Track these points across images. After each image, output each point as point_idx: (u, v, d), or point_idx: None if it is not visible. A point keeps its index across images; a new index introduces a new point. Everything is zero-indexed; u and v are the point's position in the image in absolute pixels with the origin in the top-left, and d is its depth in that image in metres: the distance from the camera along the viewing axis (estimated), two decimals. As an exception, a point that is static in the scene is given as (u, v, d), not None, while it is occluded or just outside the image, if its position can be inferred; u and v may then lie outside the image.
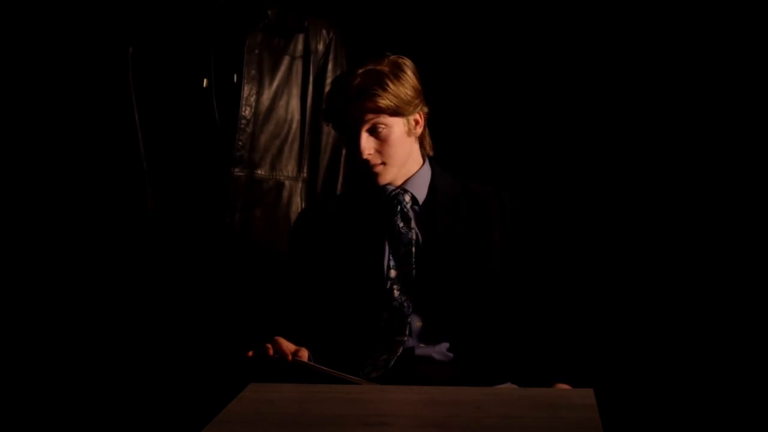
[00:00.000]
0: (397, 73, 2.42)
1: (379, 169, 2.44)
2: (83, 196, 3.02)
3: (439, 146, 2.56)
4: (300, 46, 2.87)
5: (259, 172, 2.81)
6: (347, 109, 2.41)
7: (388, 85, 2.40)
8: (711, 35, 3.03)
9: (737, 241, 3.04)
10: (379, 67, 2.42)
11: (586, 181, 3.11)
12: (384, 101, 2.40)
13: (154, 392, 2.81)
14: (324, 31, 2.89)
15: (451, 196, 2.50)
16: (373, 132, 2.42)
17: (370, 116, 2.41)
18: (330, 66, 2.89)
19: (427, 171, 2.52)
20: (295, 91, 2.86)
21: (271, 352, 2.25)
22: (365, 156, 2.42)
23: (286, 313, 2.48)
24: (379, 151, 2.43)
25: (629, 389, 3.00)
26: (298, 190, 2.87)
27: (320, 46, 2.88)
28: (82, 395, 3.06)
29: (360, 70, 2.42)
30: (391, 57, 2.46)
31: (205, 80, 2.78)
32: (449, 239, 2.45)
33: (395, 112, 2.42)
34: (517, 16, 3.11)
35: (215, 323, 2.77)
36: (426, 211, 2.49)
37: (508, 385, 2.34)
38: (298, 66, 2.87)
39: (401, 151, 2.45)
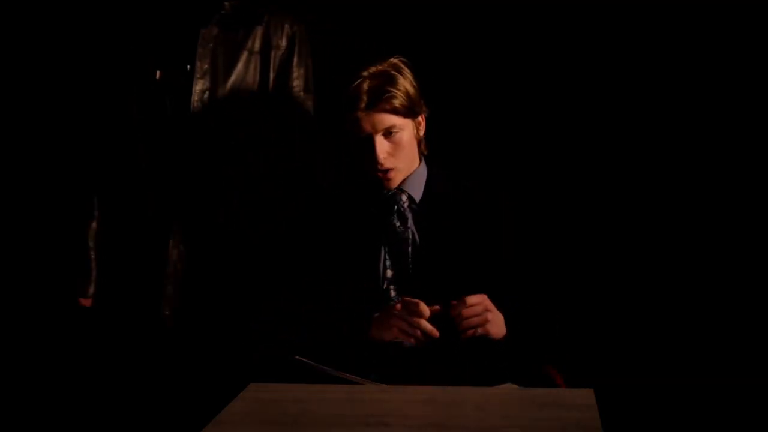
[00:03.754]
0: (403, 73, 2.41)
1: (391, 174, 2.42)
2: (83, 195, 3.00)
3: (438, 145, 2.56)
4: (259, 41, 2.77)
5: (230, 172, 2.75)
6: (359, 115, 2.37)
7: (399, 86, 2.38)
8: (711, 35, 3.03)
9: (737, 240, 3.04)
10: (385, 69, 2.40)
11: (586, 179, 3.11)
12: (398, 102, 2.37)
13: (154, 392, 2.81)
14: (287, 26, 2.78)
15: (447, 195, 2.50)
16: (387, 136, 2.40)
17: (385, 120, 2.38)
18: (294, 62, 2.78)
19: (423, 170, 2.51)
20: (254, 88, 2.77)
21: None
22: (382, 161, 2.40)
23: (284, 313, 2.48)
24: (392, 155, 2.41)
25: (629, 389, 3.00)
26: (264, 190, 2.80)
27: (282, 41, 2.78)
28: (83, 395, 3.06)
29: (366, 73, 2.38)
30: (391, 59, 2.44)
31: (157, 72, 2.71)
32: (446, 238, 2.45)
33: (407, 114, 2.40)
34: (518, 13, 3.11)
35: (215, 323, 2.77)
36: (423, 210, 2.48)
37: (508, 385, 2.34)
38: (257, 61, 2.78)
39: (411, 155, 2.44)
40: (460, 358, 2.38)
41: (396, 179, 2.44)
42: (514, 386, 2.33)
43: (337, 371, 2.23)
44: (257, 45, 2.77)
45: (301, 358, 2.24)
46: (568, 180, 3.12)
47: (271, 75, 2.78)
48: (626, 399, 2.97)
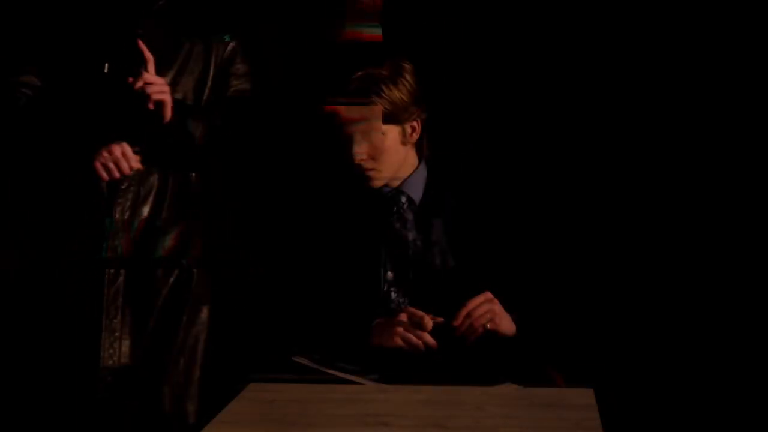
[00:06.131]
0: (395, 78, 2.39)
1: (371, 174, 2.43)
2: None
3: (438, 146, 2.56)
4: (203, 32, 2.67)
5: (148, 166, 2.67)
6: (340, 111, 2.39)
7: (384, 91, 2.37)
8: (711, 35, 3.04)
9: (737, 240, 3.04)
10: (377, 72, 2.39)
11: (587, 180, 3.11)
12: (379, 108, 2.37)
13: (154, 392, 2.81)
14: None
15: (447, 197, 2.50)
16: (367, 137, 2.40)
17: (363, 121, 2.38)
18: (238, 53, 2.69)
19: (422, 172, 2.51)
20: (193, 82, 2.68)
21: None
22: (357, 161, 2.40)
23: (285, 313, 2.48)
24: (372, 157, 2.41)
25: (629, 389, 3.00)
26: (187, 187, 2.74)
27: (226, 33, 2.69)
28: (82, 395, 3.06)
29: (358, 74, 2.39)
30: (392, 60, 2.43)
31: (106, 65, 2.63)
32: (446, 240, 2.45)
33: (390, 119, 2.40)
34: (519, 13, 3.11)
35: (216, 323, 2.77)
36: (422, 212, 2.48)
37: (508, 385, 2.34)
38: (199, 53, 2.69)
39: (394, 159, 2.44)
40: (460, 358, 2.38)
41: (377, 180, 2.44)
42: (514, 386, 2.33)
43: (337, 371, 2.23)
44: (201, 36, 2.68)
45: (301, 359, 2.24)
46: (568, 180, 3.11)
47: (212, 68, 2.69)
48: (626, 399, 2.97)
